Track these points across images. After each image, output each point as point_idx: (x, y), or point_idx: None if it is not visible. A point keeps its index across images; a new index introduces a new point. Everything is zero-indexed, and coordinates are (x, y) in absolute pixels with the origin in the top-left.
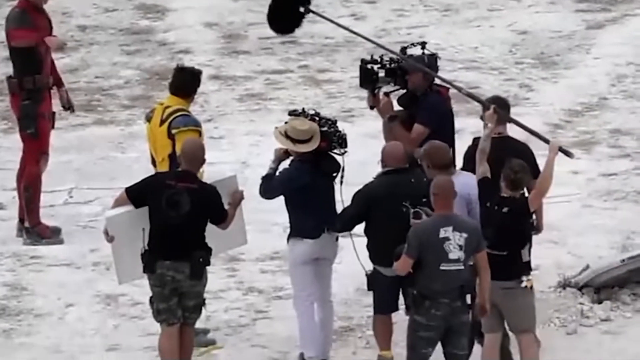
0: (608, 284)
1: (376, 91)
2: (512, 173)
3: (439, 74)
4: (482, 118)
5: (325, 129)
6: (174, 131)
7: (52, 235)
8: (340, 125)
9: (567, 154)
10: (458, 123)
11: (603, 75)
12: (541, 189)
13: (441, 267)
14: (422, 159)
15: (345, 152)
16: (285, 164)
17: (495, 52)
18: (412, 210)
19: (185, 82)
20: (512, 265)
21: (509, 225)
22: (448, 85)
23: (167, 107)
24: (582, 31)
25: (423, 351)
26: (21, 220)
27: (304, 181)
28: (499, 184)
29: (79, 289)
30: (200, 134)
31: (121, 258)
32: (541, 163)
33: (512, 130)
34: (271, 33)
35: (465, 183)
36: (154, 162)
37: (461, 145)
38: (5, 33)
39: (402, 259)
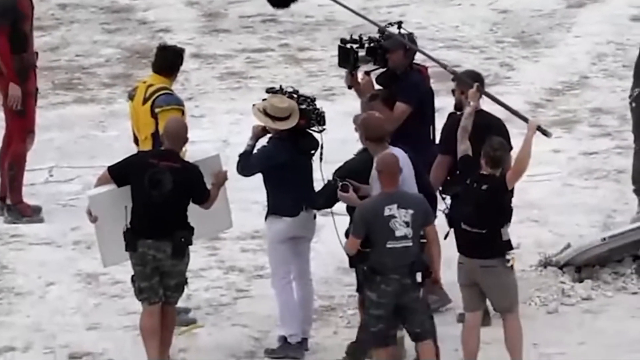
0: (589, 262)
1: (354, 71)
2: (492, 150)
3: (418, 53)
4: (453, 92)
5: (303, 106)
6: (156, 110)
7: (32, 214)
8: (321, 104)
9: (545, 133)
10: (439, 101)
11: (584, 54)
12: (519, 168)
13: (388, 245)
14: (358, 129)
15: (324, 129)
16: (263, 141)
17: (476, 30)
18: (339, 183)
19: (168, 60)
20: (492, 243)
21: (487, 203)
22: (435, 63)
23: (150, 85)
24: (562, 10)
25: (373, 329)
26: (2, 199)
27: (283, 159)
28: (478, 159)
29: (59, 268)
30: (183, 112)
31: (105, 239)
32: (519, 141)
33: (495, 110)
34: (251, 11)
35: (405, 156)
36: (136, 141)
37: (442, 122)
38: None
39: (350, 239)
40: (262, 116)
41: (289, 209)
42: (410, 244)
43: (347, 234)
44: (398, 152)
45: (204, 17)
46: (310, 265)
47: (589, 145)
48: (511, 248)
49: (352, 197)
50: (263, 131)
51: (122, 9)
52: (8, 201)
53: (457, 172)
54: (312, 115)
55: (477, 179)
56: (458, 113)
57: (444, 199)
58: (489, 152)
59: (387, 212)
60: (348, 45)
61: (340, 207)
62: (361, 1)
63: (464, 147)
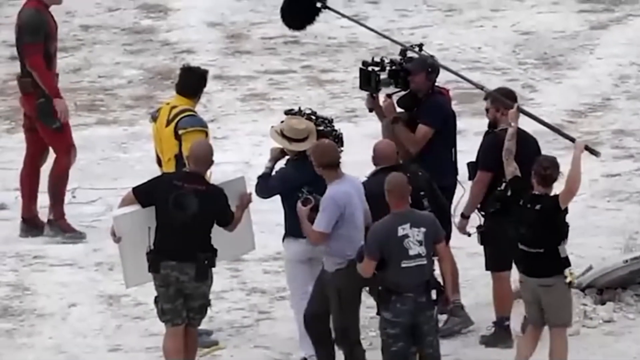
0: (611, 285)
1: (376, 93)
2: (542, 169)
3: (441, 74)
4: (487, 111)
5: (321, 128)
6: (180, 132)
7: (74, 231)
8: (344, 126)
9: (594, 152)
10: (462, 123)
11: (606, 75)
12: (572, 187)
13: (402, 265)
14: (310, 156)
15: (341, 151)
16: (282, 163)
17: (498, 52)
18: (302, 197)
19: (192, 82)
20: (550, 261)
21: (542, 223)
22: (473, 85)
23: (174, 107)
24: (585, 31)
25: (393, 349)
26: (24, 220)
27: (300, 180)
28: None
29: (81, 289)
30: (206, 134)
31: (129, 260)
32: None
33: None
34: (274, 33)
35: (344, 191)
36: (159, 162)
37: (465, 145)
38: (16, 33)
39: (365, 262)
40: (280, 138)
41: None
42: (425, 262)
43: (359, 257)
44: (352, 181)
45: (227, 39)
46: None
47: (611, 167)
48: (569, 264)
49: (303, 213)
50: (281, 153)
51: (145, 30)
52: (50, 216)
53: (497, 188)
54: (329, 137)
55: (530, 200)
56: (496, 130)
57: (483, 216)
58: (540, 172)
59: (400, 232)
60: (369, 68)
61: None
62: (383, 23)
63: (511, 168)
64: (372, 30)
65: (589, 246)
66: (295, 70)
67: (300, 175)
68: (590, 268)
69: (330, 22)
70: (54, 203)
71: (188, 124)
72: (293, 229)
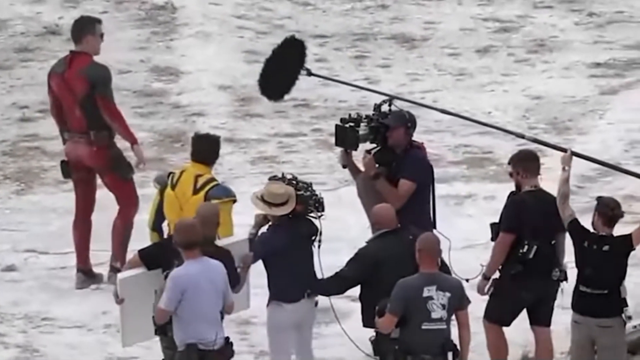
0: None
1: (353, 150)
2: (609, 210)
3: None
4: (511, 175)
5: (301, 192)
6: (214, 202)
7: None
8: (352, 189)
9: None
10: (471, 187)
11: (616, 140)
12: None
13: (423, 326)
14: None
15: (322, 215)
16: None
17: (508, 116)
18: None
19: (208, 149)
20: (611, 302)
21: (610, 263)
22: (511, 134)
23: (199, 175)
24: (595, 96)
25: None
26: (81, 272)
27: (281, 245)
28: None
29: (90, 351)
30: (234, 202)
31: (129, 320)
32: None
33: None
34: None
35: (186, 274)
36: (154, 227)
37: (473, 209)
38: (85, 90)
39: (387, 317)
40: (260, 203)
41: (289, 295)
42: (444, 326)
43: (379, 312)
44: (206, 265)
45: (237, 102)
46: (338, 351)
47: (621, 232)
48: (626, 305)
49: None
50: (265, 219)
51: (155, 92)
52: (118, 264)
53: (520, 250)
54: (309, 201)
55: (596, 241)
56: (520, 192)
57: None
58: (607, 212)
59: (426, 293)
60: (347, 125)
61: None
62: (394, 87)
63: (568, 212)
64: (355, 86)
65: None
66: (305, 133)
67: (279, 240)
68: None
69: (341, 85)
70: (123, 252)
71: (222, 193)
72: (276, 294)
